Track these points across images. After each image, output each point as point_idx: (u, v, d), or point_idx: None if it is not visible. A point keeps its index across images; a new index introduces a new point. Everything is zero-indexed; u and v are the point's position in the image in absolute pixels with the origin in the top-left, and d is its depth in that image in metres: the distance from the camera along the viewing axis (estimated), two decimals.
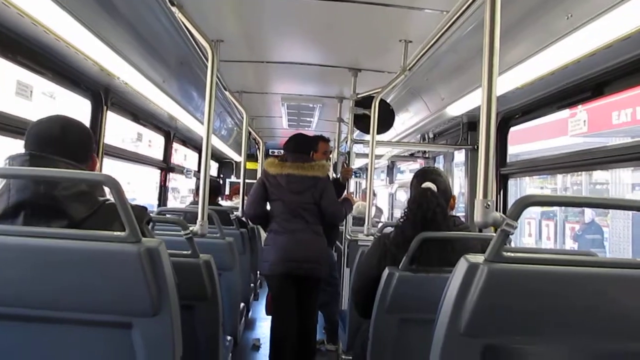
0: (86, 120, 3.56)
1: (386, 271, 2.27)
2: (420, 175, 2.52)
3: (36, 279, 1.49)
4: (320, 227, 4.09)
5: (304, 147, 4.15)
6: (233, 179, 9.99)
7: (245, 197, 5.55)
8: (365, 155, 4.57)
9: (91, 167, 1.94)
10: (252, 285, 5.33)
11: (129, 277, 1.49)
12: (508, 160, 4.05)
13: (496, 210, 1.51)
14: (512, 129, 3.99)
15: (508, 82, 3.00)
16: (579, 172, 8.75)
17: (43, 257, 1.49)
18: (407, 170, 8.64)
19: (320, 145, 4.58)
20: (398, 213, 8.35)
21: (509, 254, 1.39)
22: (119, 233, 1.50)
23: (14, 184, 1.61)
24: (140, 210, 1.77)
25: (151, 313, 1.53)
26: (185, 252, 2.47)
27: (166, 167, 5.95)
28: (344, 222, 4.49)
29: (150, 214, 1.88)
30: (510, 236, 1.40)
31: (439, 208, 2.30)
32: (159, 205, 5.84)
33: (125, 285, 1.50)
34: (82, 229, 1.58)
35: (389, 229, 2.81)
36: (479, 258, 1.39)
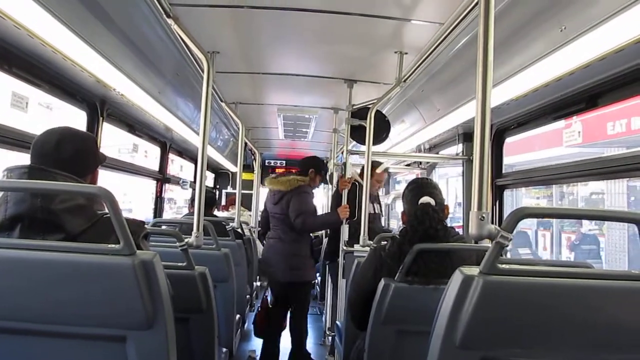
0: None
1: (382, 282, 2.26)
2: (416, 189, 2.51)
3: (30, 292, 1.49)
4: (289, 235, 4.66)
5: (301, 166, 4.87)
6: (229, 189, 9.97)
7: (242, 208, 5.64)
8: (362, 166, 4.58)
9: (93, 181, 1.93)
10: (248, 296, 5.31)
11: (123, 290, 1.48)
12: (504, 171, 4.06)
13: (492, 221, 1.51)
14: (507, 140, 4.00)
15: (503, 93, 3.01)
16: (575, 183, 8.76)
17: (38, 270, 1.48)
18: (404, 181, 8.64)
19: None
20: (394, 223, 8.35)
21: (504, 266, 1.39)
22: (113, 245, 1.50)
23: (12, 197, 1.60)
24: (138, 225, 1.77)
25: (146, 326, 1.52)
26: (180, 264, 2.46)
27: (162, 178, 5.94)
28: (340, 233, 4.49)
29: (147, 229, 1.86)
30: (506, 247, 1.40)
31: (440, 225, 2.30)
32: (154, 217, 5.82)
33: (119, 298, 1.49)
34: (78, 242, 1.57)
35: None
36: (474, 270, 1.39)
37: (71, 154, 1.79)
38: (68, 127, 1.89)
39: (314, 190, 4.98)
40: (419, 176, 6.13)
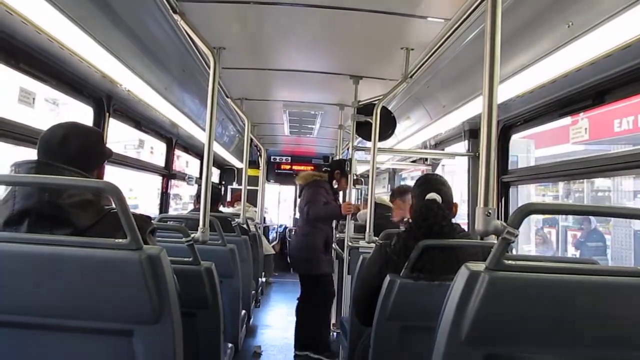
0: None
1: (387, 278, 2.26)
2: (424, 184, 2.50)
3: (38, 286, 1.50)
4: (303, 228, 5.04)
5: (329, 166, 5.32)
6: (235, 185, 9.99)
7: (247, 204, 5.67)
8: (367, 162, 4.59)
9: (99, 176, 1.94)
10: (253, 292, 5.33)
11: (130, 285, 1.49)
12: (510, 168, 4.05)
13: (498, 218, 1.51)
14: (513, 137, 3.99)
15: (509, 90, 3.01)
16: (581, 180, 8.72)
17: (45, 264, 1.49)
18: (409, 178, 8.63)
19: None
20: None
21: (510, 262, 1.39)
22: (120, 240, 1.50)
23: (19, 191, 1.61)
24: (144, 220, 1.78)
25: (152, 320, 1.53)
26: (186, 259, 2.47)
27: (168, 173, 5.96)
28: (346, 230, 4.50)
29: (154, 224, 1.86)
30: (512, 244, 1.40)
31: (445, 221, 2.29)
32: (160, 212, 5.84)
33: (126, 292, 1.50)
34: (86, 237, 1.58)
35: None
36: (480, 266, 1.39)
37: (77, 149, 1.80)
38: (74, 122, 1.89)
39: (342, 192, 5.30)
40: (425, 172, 6.14)
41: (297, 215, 5.78)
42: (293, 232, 5.42)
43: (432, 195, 2.37)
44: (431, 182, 2.51)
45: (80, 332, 1.55)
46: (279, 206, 12.72)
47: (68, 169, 1.72)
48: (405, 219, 5.45)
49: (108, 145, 3.03)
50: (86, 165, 1.82)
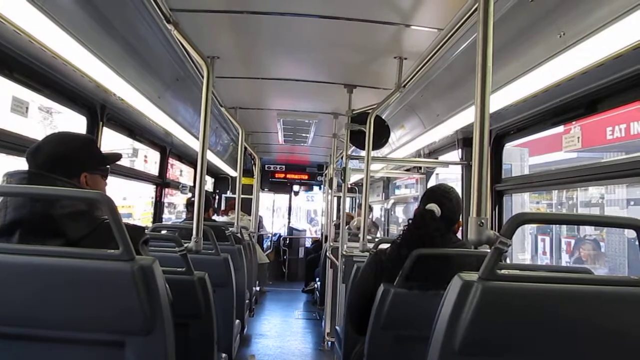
0: None
1: (381, 288, 2.26)
2: (428, 193, 2.52)
3: (29, 297, 1.49)
4: None
5: None
6: (229, 194, 9.96)
7: (241, 213, 5.65)
8: (361, 171, 4.59)
9: (91, 184, 1.92)
10: (247, 301, 5.30)
11: (122, 296, 1.48)
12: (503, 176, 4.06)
13: (491, 227, 1.51)
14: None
15: (502, 99, 3.02)
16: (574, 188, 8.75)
17: (37, 275, 1.48)
18: (403, 186, 8.64)
19: None
20: (393, 229, 8.34)
21: (503, 271, 1.39)
22: (112, 251, 1.49)
23: (11, 202, 1.60)
24: (137, 230, 1.76)
25: (144, 332, 1.52)
26: (179, 269, 2.46)
27: (162, 182, 5.94)
28: (340, 238, 4.50)
29: (147, 234, 1.85)
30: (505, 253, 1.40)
31: (437, 232, 2.28)
32: (154, 221, 5.82)
33: (118, 303, 1.49)
34: (78, 248, 1.57)
35: (384, 245, 2.80)
36: (473, 276, 1.39)
37: (44, 160, 1.76)
38: (58, 132, 1.88)
39: None
40: (419, 181, 6.17)
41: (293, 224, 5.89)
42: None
43: (432, 206, 2.37)
44: (435, 192, 2.51)
45: (71, 344, 1.54)
46: (274, 215, 12.71)
47: (61, 179, 1.71)
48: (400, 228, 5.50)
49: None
50: (63, 171, 1.77)
